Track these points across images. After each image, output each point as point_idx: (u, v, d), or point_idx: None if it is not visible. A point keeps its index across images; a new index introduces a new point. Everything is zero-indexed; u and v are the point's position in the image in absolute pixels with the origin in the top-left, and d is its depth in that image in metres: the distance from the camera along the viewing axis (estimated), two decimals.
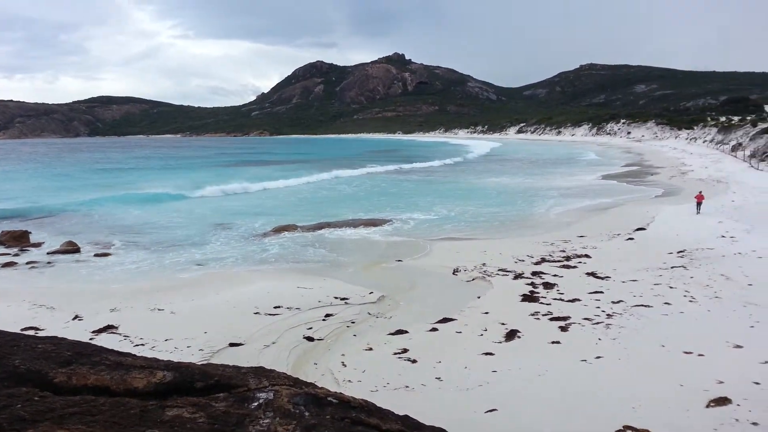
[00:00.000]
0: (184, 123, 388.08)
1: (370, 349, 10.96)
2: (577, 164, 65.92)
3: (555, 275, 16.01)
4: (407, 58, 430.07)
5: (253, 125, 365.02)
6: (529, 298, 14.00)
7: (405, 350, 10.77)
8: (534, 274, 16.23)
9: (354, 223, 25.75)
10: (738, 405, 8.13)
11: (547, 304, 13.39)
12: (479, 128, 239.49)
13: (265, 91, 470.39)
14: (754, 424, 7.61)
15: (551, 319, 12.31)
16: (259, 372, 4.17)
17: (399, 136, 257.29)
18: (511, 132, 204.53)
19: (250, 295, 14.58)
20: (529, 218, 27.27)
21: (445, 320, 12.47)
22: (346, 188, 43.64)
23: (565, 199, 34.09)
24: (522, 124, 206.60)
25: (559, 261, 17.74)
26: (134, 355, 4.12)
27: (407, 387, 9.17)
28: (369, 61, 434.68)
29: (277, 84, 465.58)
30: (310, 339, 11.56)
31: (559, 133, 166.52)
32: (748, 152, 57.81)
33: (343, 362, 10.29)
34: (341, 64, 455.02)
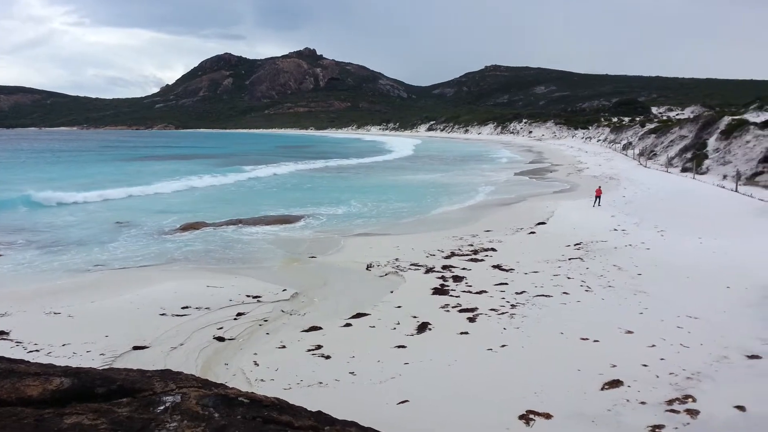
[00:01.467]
0: (81, 115, 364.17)
1: (284, 346, 10.85)
2: (487, 161, 68.43)
3: (464, 268, 16.55)
4: (318, 53, 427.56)
5: (157, 118, 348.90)
6: (440, 291, 14.40)
7: (319, 346, 10.76)
8: (444, 267, 16.70)
9: (266, 220, 25.30)
10: (629, 386, 8.80)
11: (457, 297, 13.83)
12: (391, 125, 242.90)
13: (170, 83, 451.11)
14: (642, 403, 8.28)
15: (460, 311, 12.73)
16: (166, 375, 4.04)
17: (311, 132, 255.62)
18: (422, 129, 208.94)
19: (155, 295, 13.97)
20: (441, 214, 28.00)
21: (359, 315, 12.56)
22: (257, 185, 42.79)
23: (475, 194, 35.30)
24: (432, 122, 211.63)
25: (467, 255, 18.35)
26: (27, 362, 3.86)
27: (321, 383, 9.17)
28: (280, 55, 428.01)
29: (183, 76, 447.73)
30: (220, 339, 11.27)
31: (467, 131, 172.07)
32: (637, 151, 62.49)
33: (255, 361, 10.12)
34: (251, 58, 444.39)
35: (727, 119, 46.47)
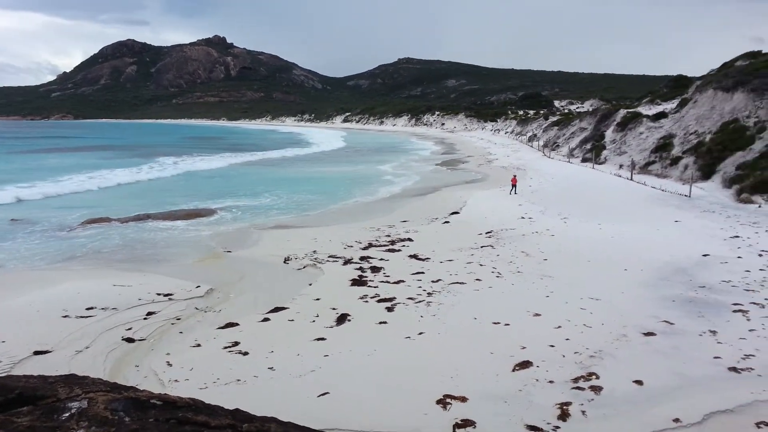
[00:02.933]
0: None
1: (198, 345, 10.53)
2: (402, 153, 69.29)
3: (381, 259, 16.74)
4: (229, 41, 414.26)
5: (53, 108, 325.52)
6: (358, 282, 14.48)
7: (236, 343, 10.53)
8: (362, 258, 16.80)
9: (177, 215, 24.35)
10: (537, 366, 9.28)
11: (375, 287, 13.97)
12: (306, 116, 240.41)
13: (68, 71, 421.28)
14: (551, 382, 8.76)
15: (379, 301, 12.87)
16: (71, 380, 3.82)
17: (223, 123, 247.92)
18: (338, 121, 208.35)
19: (57, 296, 13.09)
20: (359, 205, 28.11)
21: (277, 309, 12.40)
22: (166, 178, 41.01)
23: (391, 185, 35.71)
24: (348, 114, 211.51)
25: (385, 245, 18.56)
26: None
27: (239, 380, 8.99)
28: (187, 42, 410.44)
29: (82, 63, 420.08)
30: (130, 340, 10.76)
31: (382, 123, 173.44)
32: (541, 142, 65.58)
33: (168, 362, 9.75)
34: (156, 45, 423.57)
35: (622, 112, 49.73)
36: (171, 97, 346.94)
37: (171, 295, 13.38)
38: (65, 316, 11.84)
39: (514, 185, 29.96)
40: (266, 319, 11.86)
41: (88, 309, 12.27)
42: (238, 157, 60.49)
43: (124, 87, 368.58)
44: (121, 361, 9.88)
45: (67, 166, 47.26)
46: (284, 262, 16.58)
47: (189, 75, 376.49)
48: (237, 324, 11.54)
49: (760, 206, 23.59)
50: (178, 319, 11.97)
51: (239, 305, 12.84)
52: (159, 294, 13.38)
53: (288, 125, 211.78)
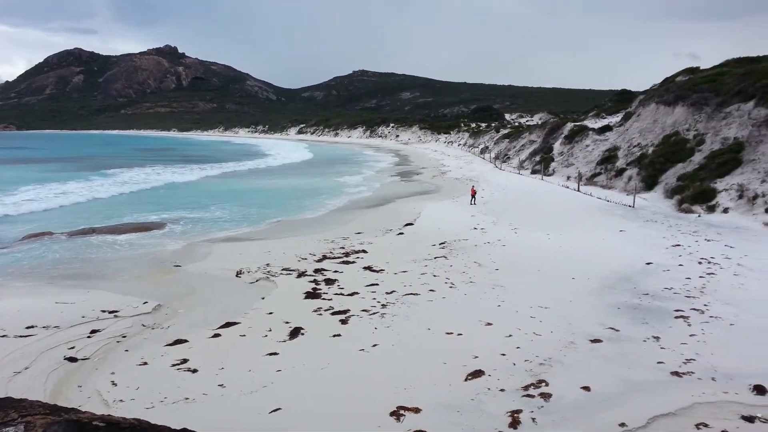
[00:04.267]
0: None
1: (145, 363, 10.21)
2: (357, 164, 69.33)
3: (336, 271, 16.66)
4: (181, 51, 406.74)
5: None
6: (312, 294, 14.37)
7: (185, 360, 10.26)
8: (316, 271, 16.69)
9: (124, 228, 23.62)
10: (489, 375, 9.40)
11: (329, 300, 13.89)
12: (260, 128, 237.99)
13: (10, 80, 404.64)
14: (502, 390, 8.89)
15: (333, 314, 12.80)
16: (6, 403, 3.65)
17: (174, 134, 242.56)
18: (292, 132, 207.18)
19: None
20: (312, 217, 27.93)
21: (228, 325, 12.16)
22: (112, 191, 39.72)
23: (346, 197, 35.66)
24: (302, 125, 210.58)
25: (339, 257, 18.49)
26: None
27: (187, 399, 8.76)
28: (137, 52, 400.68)
29: (26, 72, 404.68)
30: (72, 360, 10.34)
31: (337, 134, 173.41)
32: (493, 154, 66.87)
33: (113, 381, 9.41)
34: (105, 54, 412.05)
35: (570, 125, 51.26)
36: (120, 108, 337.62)
37: (116, 312, 12.95)
38: (3, 336, 11.30)
39: (473, 195, 31.04)
40: (217, 335, 11.61)
41: (27, 328, 11.75)
42: (190, 168, 59.27)
43: (70, 97, 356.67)
44: (63, 382, 9.48)
45: (7, 179, 45.26)
46: (236, 275, 16.29)
47: (139, 85, 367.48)
48: (186, 341, 11.25)
49: (699, 216, 24.67)
50: (124, 336, 11.58)
51: (188, 321, 12.53)
52: (104, 311, 12.93)
53: (242, 136, 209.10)
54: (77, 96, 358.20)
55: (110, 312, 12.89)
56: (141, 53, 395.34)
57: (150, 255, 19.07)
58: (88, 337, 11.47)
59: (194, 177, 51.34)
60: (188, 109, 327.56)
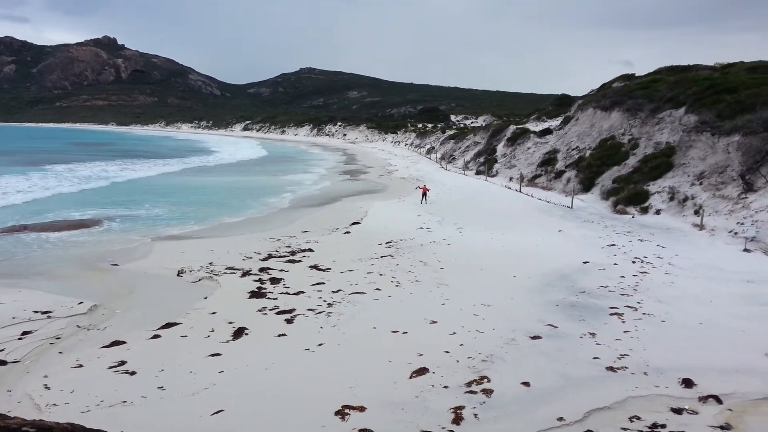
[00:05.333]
0: None
1: (80, 366, 9.81)
2: (304, 163, 68.75)
3: (281, 270, 16.49)
4: (120, 42, 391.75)
5: None
6: (257, 294, 14.18)
7: (122, 362, 9.93)
8: (262, 270, 16.46)
9: (58, 225, 22.60)
10: (433, 372, 9.54)
11: (274, 299, 13.73)
12: (204, 123, 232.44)
13: None
14: (445, 387, 9.04)
15: (278, 313, 12.67)
16: None
17: (113, 128, 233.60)
18: (237, 129, 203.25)
19: None
20: (258, 215, 27.50)
21: (168, 325, 11.84)
22: (47, 186, 37.88)
23: (293, 195, 35.30)
24: (248, 122, 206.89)
25: (285, 256, 18.31)
26: None
27: (125, 402, 8.48)
28: (74, 42, 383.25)
29: None
30: (2, 363, 9.83)
31: (283, 132, 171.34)
32: (439, 155, 67.74)
33: (46, 384, 9.01)
34: (38, 43, 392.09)
35: (512, 128, 52.54)
36: (54, 100, 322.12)
37: (50, 312, 12.39)
38: None
39: (424, 194, 31.31)
40: (156, 336, 11.29)
41: None
42: (130, 164, 57.21)
43: (0, 87, 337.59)
44: None
45: None
46: (178, 274, 15.88)
47: (75, 77, 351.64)
48: (124, 342, 10.89)
49: (633, 216, 25.79)
50: (58, 338, 11.10)
51: (127, 322, 12.12)
52: (36, 311, 12.35)
53: (184, 132, 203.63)
54: (8, 86, 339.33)
55: (43, 312, 12.33)
56: (78, 44, 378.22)
57: (86, 253, 18.32)
58: (19, 338, 10.94)
59: (135, 173, 49.60)
60: (128, 103, 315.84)
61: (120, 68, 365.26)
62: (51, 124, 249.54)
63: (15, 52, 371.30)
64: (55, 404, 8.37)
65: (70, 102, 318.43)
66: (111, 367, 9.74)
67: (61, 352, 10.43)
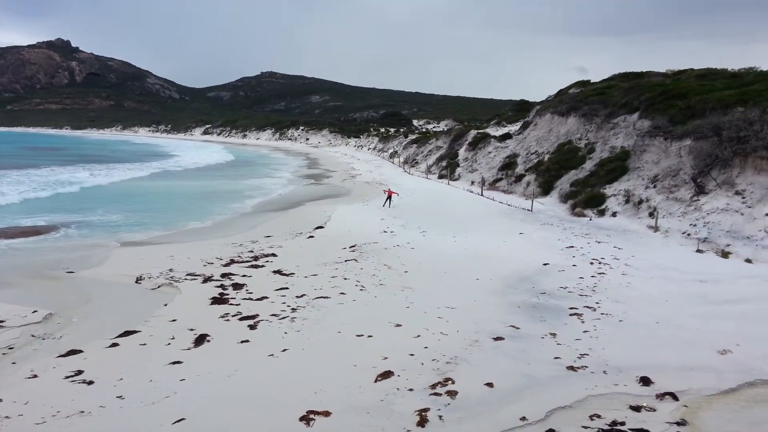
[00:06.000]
0: None
1: (35, 376, 9.48)
2: (266, 167, 68.06)
3: (244, 275, 16.29)
4: (74, 45, 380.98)
5: None
6: (219, 300, 13.96)
7: (79, 372, 9.63)
8: (224, 276, 16.22)
9: (11, 232, 21.78)
10: (398, 375, 9.58)
11: (237, 305, 13.55)
12: (162, 127, 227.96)
13: None
14: (410, 390, 9.08)
15: (241, 319, 12.51)
16: None
17: (67, 132, 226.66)
18: (197, 133, 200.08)
19: None
20: (219, 220, 27.07)
21: (127, 333, 11.55)
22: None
23: (254, 200, 34.89)
24: (208, 126, 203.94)
25: (248, 261, 18.09)
26: None
27: (83, 412, 8.23)
28: (25, 44, 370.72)
29: None
30: None
31: (245, 136, 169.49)
32: (402, 159, 68.09)
33: None
34: None
35: (473, 133, 53.28)
36: (5, 103, 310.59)
37: (2, 321, 11.93)
38: None
39: (389, 197, 31.26)
40: (115, 344, 11.00)
41: None
42: (86, 169, 55.53)
43: None
44: None
45: None
46: (136, 281, 15.50)
47: (27, 80, 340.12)
48: (81, 351, 10.57)
49: (590, 219, 26.45)
50: (11, 348, 10.69)
51: (83, 330, 11.77)
52: None
53: (142, 136, 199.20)
54: None
55: None
56: (30, 46, 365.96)
57: (40, 260, 17.70)
58: None
59: (90, 178, 48.19)
60: (82, 107, 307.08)
61: (74, 71, 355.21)
62: (2, 128, 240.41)
63: None
64: (7, 416, 8.06)
65: (22, 105, 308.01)
66: (67, 377, 9.45)
67: (14, 363, 10.05)
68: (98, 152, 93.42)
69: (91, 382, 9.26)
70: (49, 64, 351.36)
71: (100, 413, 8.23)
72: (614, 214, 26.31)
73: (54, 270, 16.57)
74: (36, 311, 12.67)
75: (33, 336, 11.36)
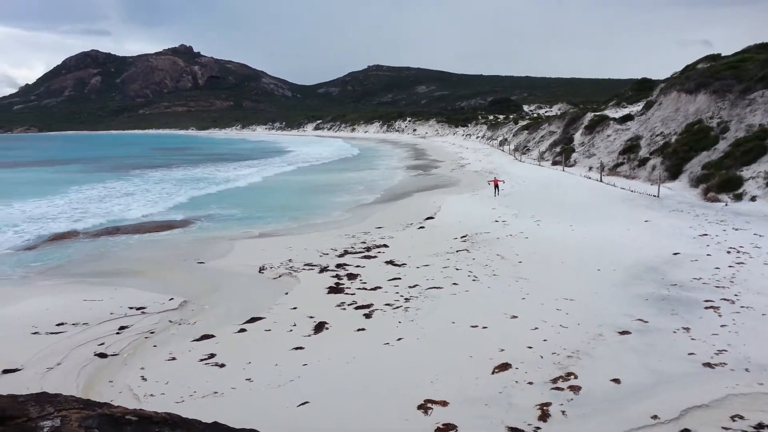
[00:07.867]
0: None
1: (174, 358, 10.31)
2: (375, 159, 69.35)
3: (358, 266, 16.66)
4: (196, 50, 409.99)
5: (16, 120, 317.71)
6: (335, 289, 14.39)
7: (212, 355, 10.34)
8: (338, 266, 16.70)
9: (147, 227, 23.91)
10: (517, 368, 9.31)
11: (352, 294, 13.89)
12: (277, 125, 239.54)
13: (30, 83, 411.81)
14: (530, 383, 8.80)
15: (356, 308, 12.80)
16: (42, 398, 3.69)
17: (192, 132, 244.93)
18: (309, 129, 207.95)
19: (24, 313, 12.72)
20: (333, 212, 27.96)
21: (253, 320, 12.24)
22: (131, 189, 40.23)
23: (365, 192, 35.67)
24: (319, 121, 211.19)
25: (360, 252, 18.49)
26: None
27: (216, 393, 8.82)
28: (153, 52, 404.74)
29: (45, 74, 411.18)
30: (102, 355, 10.48)
31: (354, 130, 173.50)
32: (512, 146, 66.33)
33: (143, 376, 9.53)
34: (120, 55, 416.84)
35: (590, 115, 50.60)
36: (137, 108, 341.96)
37: (144, 308, 13.10)
38: (35, 333, 11.49)
39: (496, 186, 30.70)
40: (242, 330, 11.69)
41: (58, 325, 11.94)
42: (212, 167, 59.77)
43: (89, 98, 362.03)
44: (94, 377, 9.61)
45: (23, 180, 46.07)
46: (259, 271, 16.38)
47: (155, 85, 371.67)
48: (213, 336, 11.35)
49: (726, 204, 24.20)
50: (152, 332, 11.71)
51: (214, 317, 12.63)
52: (131, 308, 13.09)
53: (259, 134, 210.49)
54: (95, 97, 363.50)
55: (137, 308, 13.05)
56: (157, 53, 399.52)
57: (173, 252, 19.26)
58: (117, 333, 11.62)
59: (214, 175, 51.72)
60: (205, 108, 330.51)
61: (197, 75, 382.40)
62: (135, 131, 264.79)
63: (100, 65, 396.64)
64: (152, 395, 8.83)
65: (152, 109, 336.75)
66: (202, 360, 10.17)
67: (155, 346, 11.00)
68: (221, 151, 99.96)
69: (222, 365, 9.90)
70: (174, 70, 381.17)
71: (231, 394, 8.78)
72: (753, 199, 23.88)
73: (186, 261, 17.95)
74: (172, 299, 13.77)
75: (170, 321, 12.36)
